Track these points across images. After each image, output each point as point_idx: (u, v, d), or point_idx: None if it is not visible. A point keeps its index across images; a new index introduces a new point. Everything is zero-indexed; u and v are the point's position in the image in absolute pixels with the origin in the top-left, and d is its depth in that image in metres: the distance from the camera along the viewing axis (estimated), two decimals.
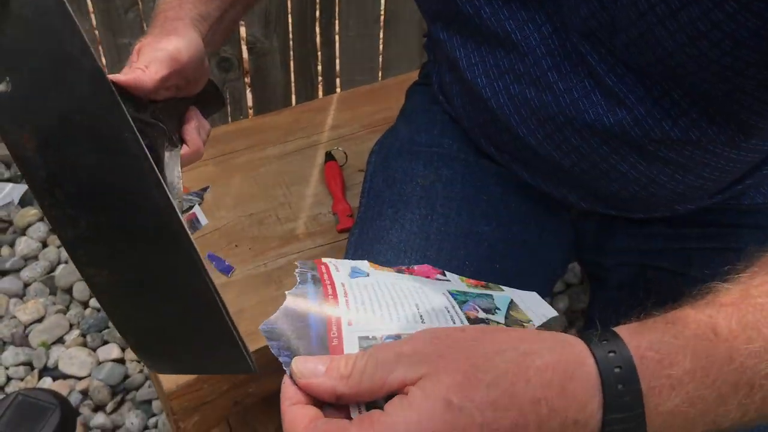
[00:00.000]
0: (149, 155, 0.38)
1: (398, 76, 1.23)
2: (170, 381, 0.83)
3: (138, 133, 0.39)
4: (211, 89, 0.76)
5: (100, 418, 1.28)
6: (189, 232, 0.41)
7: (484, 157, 0.84)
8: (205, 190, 1.07)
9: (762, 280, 0.44)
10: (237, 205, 1.01)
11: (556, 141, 0.71)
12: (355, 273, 0.52)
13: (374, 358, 0.40)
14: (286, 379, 0.43)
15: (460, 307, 0.49)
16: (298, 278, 0.49)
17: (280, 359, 0.44)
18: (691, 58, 0.58)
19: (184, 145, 0.64)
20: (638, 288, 0.84)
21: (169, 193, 0.59)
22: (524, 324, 0.50)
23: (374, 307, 0.47)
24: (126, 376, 1.35)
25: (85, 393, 1.33)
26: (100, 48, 1.43)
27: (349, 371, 0.40)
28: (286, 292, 0.47)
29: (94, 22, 1.38)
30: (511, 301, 0.52)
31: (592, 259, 0.91)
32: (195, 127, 0.66)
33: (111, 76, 0.56)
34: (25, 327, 1.41)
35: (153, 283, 0.42)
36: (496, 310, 0.50)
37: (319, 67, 1.61)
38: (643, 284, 0.83)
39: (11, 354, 1.36)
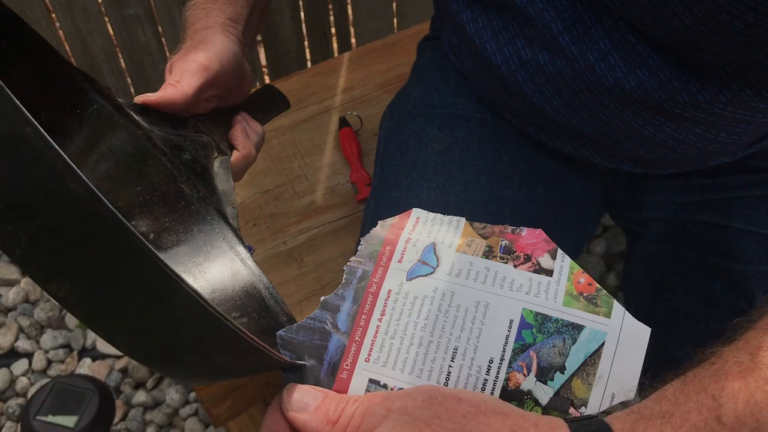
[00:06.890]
0: (56, 146, 0.33)
1: (410, 28, 1.17)
2: None
3: (38, 125, 0.33)
4: (270, 93, 0.76)
5: (141, 396, 1.30)
6: (124, 219, 0.35)
7: (501, 117, 0.78)
8: None
9: None
10: (252, 182, 0.98)
11: (574, 107, 0.66)
12: (419, 268, 0.45)
13: (363, 407, 0.38)
14: (272, 405, 0.41)
15: (511, 361, 0.41)
16: (344, 276, 0.45)
17: (283, 374, 0.42)
18: (712, 31, 0.52)
19: (234, 151, 0.63)
20: (678, 242, 0.78)
21: (222, 200, 0.57)
22: (568, 411, 0.41)
23: (404, 344, 0.42)
24: None
25: (124, 371, 1.34)
26: (105, 19, 1.39)
27: (337, 417, 0.38)
28: (322, 298, 0.44)
29: None
30: (599, 348, 0.41)
31: (625, 215, 0.86)
32: (241, 130, 0.64)
33: (140, 98, 0.56)
34: (61, 309, 1.41)
35: (118, 284, 0.36)
36: (558, 373, 0.41)
37: (331, 18, 1.55)
38: (685, 238, 0.78)
39: (50, 337, 1.37)
